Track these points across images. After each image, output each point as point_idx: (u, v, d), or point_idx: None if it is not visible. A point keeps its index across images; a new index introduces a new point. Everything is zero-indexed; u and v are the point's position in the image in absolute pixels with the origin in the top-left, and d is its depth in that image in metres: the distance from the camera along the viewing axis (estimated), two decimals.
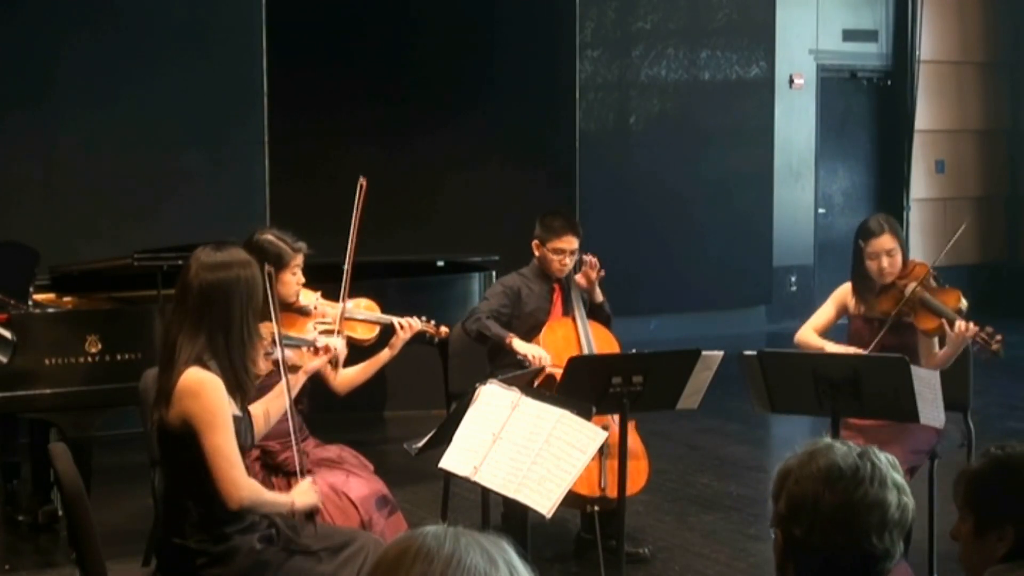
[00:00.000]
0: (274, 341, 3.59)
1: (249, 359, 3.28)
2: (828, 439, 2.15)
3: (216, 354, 3.22)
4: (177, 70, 7.34)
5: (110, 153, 7.21)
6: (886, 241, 4.66)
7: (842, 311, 4.87)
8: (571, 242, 5.02)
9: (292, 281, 4.19)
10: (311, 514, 3.46)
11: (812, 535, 2.03)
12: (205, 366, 3.20)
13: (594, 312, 5.09)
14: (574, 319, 4.99)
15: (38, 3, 7.07)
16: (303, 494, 3.41)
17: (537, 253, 5.07)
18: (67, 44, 7.11)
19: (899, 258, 4.67)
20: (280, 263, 4.09)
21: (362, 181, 4.36)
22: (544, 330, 4.94)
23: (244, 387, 3.28)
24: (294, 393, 3.68)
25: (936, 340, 4.59)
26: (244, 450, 3.36)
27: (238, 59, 7.54)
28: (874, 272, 4.70)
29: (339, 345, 4.08)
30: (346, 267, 4.36)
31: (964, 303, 4.56)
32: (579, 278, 5.09)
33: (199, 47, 7.42)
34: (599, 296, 5.12)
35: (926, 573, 4.52)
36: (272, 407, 3.56)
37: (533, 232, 5.07)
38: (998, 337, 4.40)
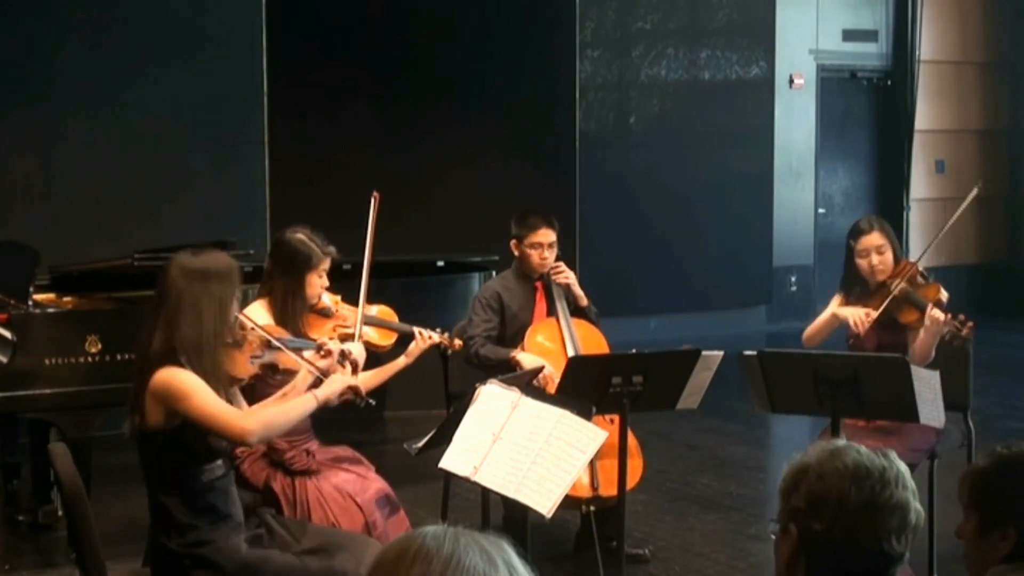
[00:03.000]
0: (269, 344, 3.61)
1: (218, 360, 3.32)
2: (844, 440, 2.13)
3: (187, 351, 3.27)
4: (177, 70, 7.34)
5: (110, 153, 7.21)
6: (875, 238, 4.73)
7: None
8: (548, 235, 5.02)
9: (317, 283, 4.16)
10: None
11: (834, 531, 2.02)
12: (180, 366, 3.25)
13: (579, 315, 5.09)
14: (558, 319, 4.99)
15: (38, 3, 7.07)
16: (329, 384, 3.50)
17: (516, 253, 5.09)
18: (67, 44, 7.10)
19: (889, 256, 4.72)
20: (308, 264, 4.09)
21: (376, 195, 4.38)
22: (528, 333, 4.93)
23: (216, 389, 3.31)
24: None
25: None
26: (224, 453, 3.38)
27: (238, 59, 7.54)
28: (865, 270, 4.74)
29: (358, 350, 4.03)
30: (363, 275, 4.30)
31: (944, 294, 4.63)
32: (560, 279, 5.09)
33: (199, 47, 7.42)
34: (583, 300, 5.12)
35: (926, 573, 4.52)
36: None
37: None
38: (969, 324, 4.43)
